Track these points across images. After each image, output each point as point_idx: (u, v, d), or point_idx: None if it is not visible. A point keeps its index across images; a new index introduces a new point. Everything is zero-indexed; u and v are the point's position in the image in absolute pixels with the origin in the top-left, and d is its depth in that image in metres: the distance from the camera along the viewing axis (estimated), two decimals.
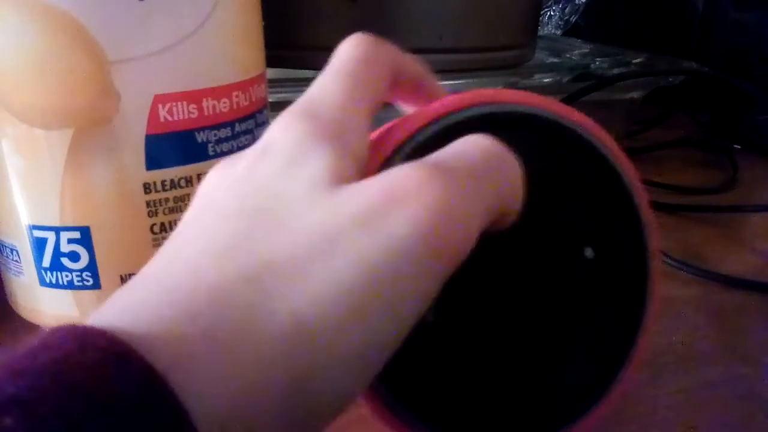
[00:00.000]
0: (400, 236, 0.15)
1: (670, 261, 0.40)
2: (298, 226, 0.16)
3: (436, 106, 0.21)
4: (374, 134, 0.21)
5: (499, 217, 0.18)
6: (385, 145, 0.20)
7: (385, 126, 0.22)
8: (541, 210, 0.21)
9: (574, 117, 0.22)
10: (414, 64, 0.22)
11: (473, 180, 0.17)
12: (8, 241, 0.32)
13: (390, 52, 0.21)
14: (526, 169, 0.19)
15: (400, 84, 0.21)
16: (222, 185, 0.18)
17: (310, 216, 0.16)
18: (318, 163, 0.17)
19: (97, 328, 0.14)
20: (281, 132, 0.18)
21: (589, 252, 0.22)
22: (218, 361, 0.14)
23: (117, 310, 0.16)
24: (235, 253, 0.16)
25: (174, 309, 0.15)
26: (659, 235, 0.23)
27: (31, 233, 0.31)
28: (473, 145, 0.18)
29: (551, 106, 0.22)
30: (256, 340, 0.15)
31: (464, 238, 0.16)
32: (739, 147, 0.62)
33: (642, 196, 0.23)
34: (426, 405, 0.21)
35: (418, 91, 0.22)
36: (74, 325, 0.14)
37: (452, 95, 0.21)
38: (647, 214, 0.22)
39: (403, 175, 0.16)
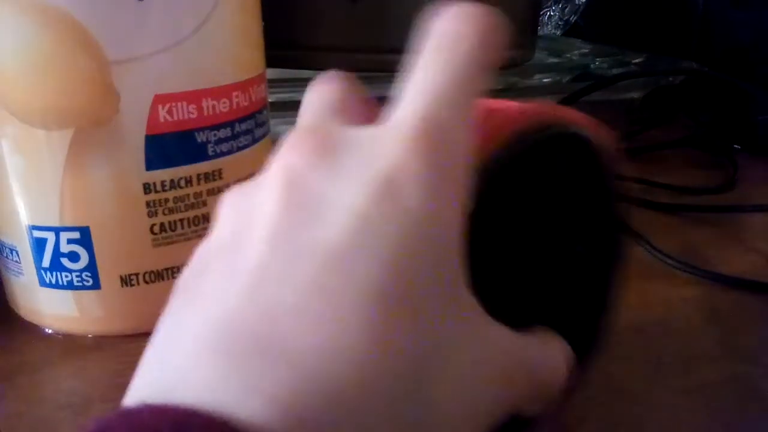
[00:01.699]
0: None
1: (670, 261, 0.40)
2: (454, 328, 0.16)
3: (491, 128, 0.20)
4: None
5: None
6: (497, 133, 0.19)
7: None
8: (546, 212, 0.22)
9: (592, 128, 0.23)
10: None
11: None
12: (8, 241, 0.32)
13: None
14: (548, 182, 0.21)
15: None
16: (330, 230, 0.15)
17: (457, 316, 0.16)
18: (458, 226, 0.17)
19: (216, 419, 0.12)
20: (406, 173, 0.16)
21: (580, 248, 0.24)
22: None
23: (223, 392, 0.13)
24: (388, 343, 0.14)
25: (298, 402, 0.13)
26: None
27: (31, 233, 0.31)
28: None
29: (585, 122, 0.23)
30: None
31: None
32: (739, 147, 0.62)
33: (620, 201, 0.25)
34: None
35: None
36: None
37: (533, 106, 0.21)
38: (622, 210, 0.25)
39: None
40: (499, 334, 0.17)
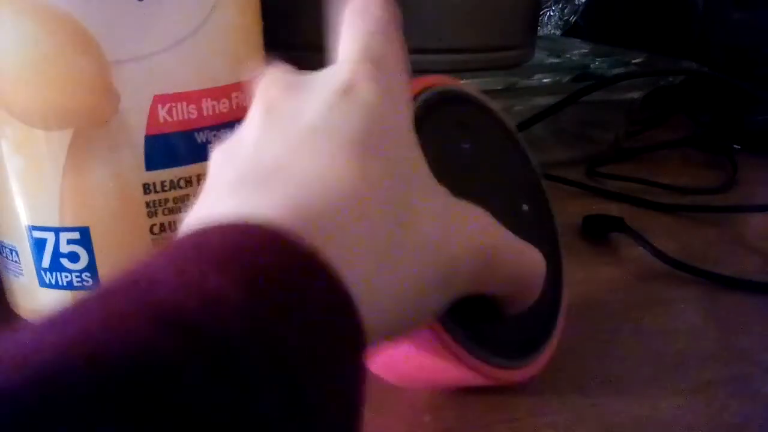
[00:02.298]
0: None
1: (670, 261, 0.40)
2: (420, 172, 0.20)
3: (430, 79, 0.27)
4: None
5: None
6: None
7: None
8: (487, 173, 0.27)
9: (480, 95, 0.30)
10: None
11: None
12: (8, 241, 0.32)
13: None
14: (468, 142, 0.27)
15: None
16: (308, 113, 0.20)
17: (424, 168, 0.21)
18: (408, 112, 0.21)
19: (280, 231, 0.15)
20: (360, 78, 0.21)
21: (525, 207, 0.29)
22: (381, 284, 0.17)
23: (278, 209, 0.17)
24: (368, 176, 0.18)
25: (332, 211, 0.17)
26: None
27: (31, 234, 0.31)
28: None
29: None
30: (400, 273, 0.18)
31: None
32: (739, 147, 0.62)
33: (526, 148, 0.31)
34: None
35: None
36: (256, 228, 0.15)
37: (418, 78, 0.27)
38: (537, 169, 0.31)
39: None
40: (464, 206, 0.22)
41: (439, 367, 0.25)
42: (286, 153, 0.19)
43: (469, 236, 0.21)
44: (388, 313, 0.18)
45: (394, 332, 0.20)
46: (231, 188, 0.18)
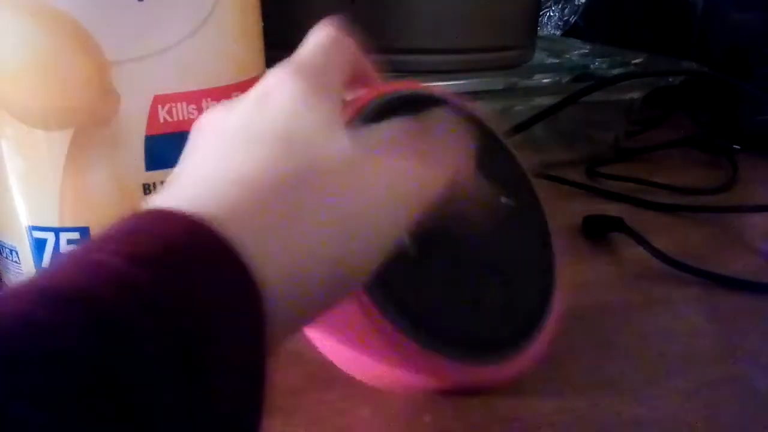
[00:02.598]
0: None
1: (670, 261, 0.40)
2: (323, 152, 0.21)
3: (382, 88, 0.27)
4: None
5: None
6: (346, 112, 0.25)
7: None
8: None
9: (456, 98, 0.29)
10: (363, 56, 0.27)
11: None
12: (8, 242, 0.32)
13: (351, 44, 0.26)
14: None
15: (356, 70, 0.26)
16: (232, 121, 0.22)
17: (331, 144, 0.21)
18: (323, 107, 0.22)
19: (192, 217, 0.17)
20: (276, 84, 0.22)
21: (504, 200, 0.29)
22: (281, 236, 0.19)
23: (185, 200, 0.18)
24: (273, 164, 0.20)
25: (240, 196, 0.19)
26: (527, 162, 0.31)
27: (31, 234, 0.31)
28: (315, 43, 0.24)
29: (443, 92, 0.29)
30: (306, 225, 0.19)
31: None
32: (739, 147, 0.62)
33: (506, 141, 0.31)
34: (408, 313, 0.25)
35: (364, 79, 0.27)
36: (168, 213, 0.17)
37: (388, 83, 0.28)
38: (525, 167, 0.31)
39: None
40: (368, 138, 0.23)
41: (388, 366, 0.25)
42: (204, 156, 0.21)
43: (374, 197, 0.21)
44: (299, 269, 0.19)
45: (318, 298, 0.20)
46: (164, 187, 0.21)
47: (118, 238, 0.16)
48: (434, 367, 0.25)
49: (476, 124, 0.29)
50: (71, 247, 0.30)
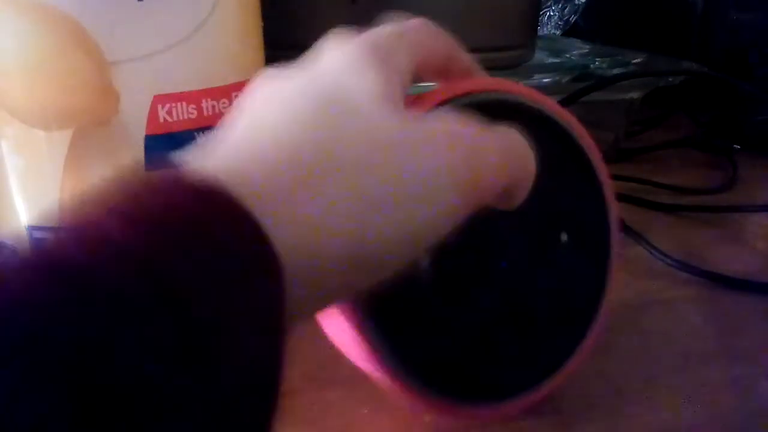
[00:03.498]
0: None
1: (670, 261, 0.40)
2: (364, 124, 0.19)
3: (465, 84, 0.25)
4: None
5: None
6: (422, 105, 0.23)
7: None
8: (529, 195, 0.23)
9: (556, 109, 0.26)
10: (460, 52, 0.25)
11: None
12: (8, 241, 0.32)
13: (437, 33, 0.24)
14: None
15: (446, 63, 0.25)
16: (276, 83, 0.21)
17: (375, 118, 0.19)
18: (376, 79, 0.20)
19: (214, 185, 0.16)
20: (331, 48, 0.21)
21: (564, 236, 0.26)
22: (302, 205, 0.17)
23: (219, 169, 0.17)
24: (312, 135, 0.18)
25: (262, 161, 0.18)
26: (618, 211, 0.27)
27: (31, 234, 0.31)
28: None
29: (541, 99, 0.26)
30: (331, 195, 0.18)
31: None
32: (738, 147, 0.62)
33: (606, 180, 0.26)
34: (416, 362, 0.23)
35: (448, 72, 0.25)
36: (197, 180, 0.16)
37: (478, 79, 0.25)
38: (610, 196, 0.27)
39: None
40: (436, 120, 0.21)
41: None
42: (240, 118, 0.20)
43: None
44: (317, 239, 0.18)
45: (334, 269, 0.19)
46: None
47: (120, 199, 0.15)
48: (434, 406, 0.25)
49: (563, 144, 0.26)
50: None
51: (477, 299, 0.25)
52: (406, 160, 0.19)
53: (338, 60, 0.21)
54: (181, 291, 0.13)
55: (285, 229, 0.16)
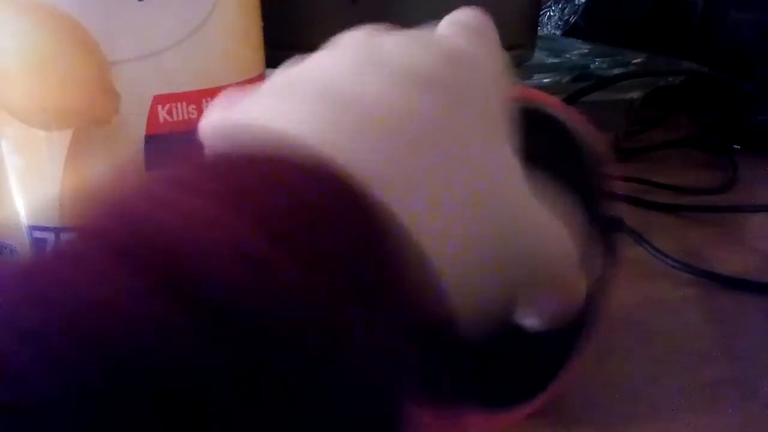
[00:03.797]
0: None
1: (670, 261, 0.40)
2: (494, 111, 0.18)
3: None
4: None
5: None
6: None
7: None
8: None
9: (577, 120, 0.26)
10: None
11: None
12: (8, 242, 0.32)
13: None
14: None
15: None
16: (388, 43, 0.19)
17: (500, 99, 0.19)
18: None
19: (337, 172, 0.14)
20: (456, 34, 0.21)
21: None
22: (441, 196, 0.15)
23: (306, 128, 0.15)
24: (432, 108, 0.17)
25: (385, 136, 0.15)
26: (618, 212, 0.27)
27: (31, 234, 0.31)
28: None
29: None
30: (465, 187, 0.16)
31: None
32: (738, 147, 0.62)
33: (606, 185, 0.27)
34: None
35: None
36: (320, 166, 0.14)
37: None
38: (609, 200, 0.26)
39: None
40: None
41: None
42: (340, 72, 0.17)
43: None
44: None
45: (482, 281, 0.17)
46: (278, 90, 0.17)
47: (218, 182, 0.12)
48: (437, 415, 0.24)
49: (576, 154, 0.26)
50: None
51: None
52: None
53: (468, 45, 0.20)
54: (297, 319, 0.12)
55: (435, 235, 0.15)
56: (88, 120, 0.29)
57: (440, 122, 0.16)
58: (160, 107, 0.30)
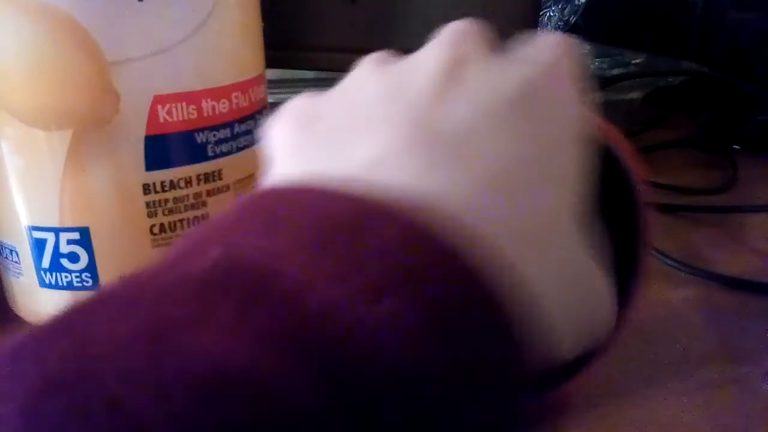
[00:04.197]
0: None
1: (670, 261, 0.40)
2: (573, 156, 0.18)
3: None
4: None
5: None
6: None
7: None
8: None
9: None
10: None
11: None
12: (8, 242, 0.32)
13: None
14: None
15: None
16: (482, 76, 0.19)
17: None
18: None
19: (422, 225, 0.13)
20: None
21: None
22: (539, 247, 0.15)
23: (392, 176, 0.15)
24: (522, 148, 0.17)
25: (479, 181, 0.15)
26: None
27: (31, 234, 0.31)
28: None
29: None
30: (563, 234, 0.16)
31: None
32: (738, 147, 0.62)
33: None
34: None
35: None
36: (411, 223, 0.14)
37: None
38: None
39: None
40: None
41: None
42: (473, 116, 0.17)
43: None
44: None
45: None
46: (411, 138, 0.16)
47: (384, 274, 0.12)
48: None
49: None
50: (71, 247, 0.30)
51: None
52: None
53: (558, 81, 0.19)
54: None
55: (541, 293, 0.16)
56: (88, 120, 0.29)
57: (534, 172, 0.16)
58: (160, 107, 0.30)
